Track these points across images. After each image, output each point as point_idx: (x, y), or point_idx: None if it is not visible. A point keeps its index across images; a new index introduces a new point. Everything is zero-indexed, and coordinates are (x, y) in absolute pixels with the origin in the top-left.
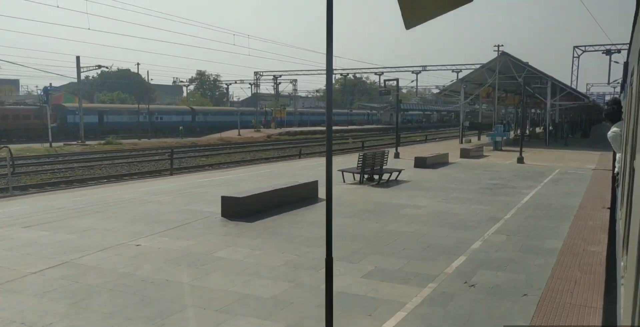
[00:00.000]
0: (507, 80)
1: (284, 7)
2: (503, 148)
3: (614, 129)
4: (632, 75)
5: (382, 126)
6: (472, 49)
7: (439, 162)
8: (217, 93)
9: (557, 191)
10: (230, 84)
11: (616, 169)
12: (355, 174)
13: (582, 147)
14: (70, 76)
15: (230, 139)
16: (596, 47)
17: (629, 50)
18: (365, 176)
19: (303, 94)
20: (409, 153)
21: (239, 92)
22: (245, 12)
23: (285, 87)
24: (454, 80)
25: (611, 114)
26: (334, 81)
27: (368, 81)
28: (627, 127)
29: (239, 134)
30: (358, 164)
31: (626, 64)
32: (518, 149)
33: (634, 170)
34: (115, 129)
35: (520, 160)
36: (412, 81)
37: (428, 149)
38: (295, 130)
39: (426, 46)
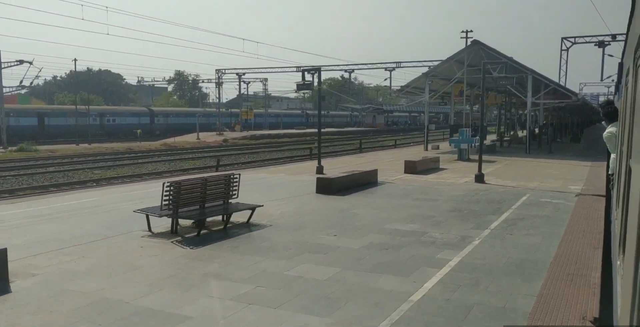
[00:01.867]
0: (480, 74)
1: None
2: (472, 157)
3: (609, 129)
4: (627, 76)
5: (363, 129)
6: (449, 43)
7: (360, 182)
8: (196, 93)
9: (505, 255)
10: (201, 81)
11: (610, 170)
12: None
13: (571, 155)
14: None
15: (177, 144)
16: (587, 39)
17: (623, 50)
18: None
19: (292, 95)
20: (345, 165)
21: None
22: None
23: (276, 87)
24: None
25: (609, 114)
26: (321, 80)
27: (356, 82)
28: (622, 127)
29: (198, 138)
30: (164, 200)
31: (621, 65)
32: (493, 158)
33: (630, 169)
34: (60, 132)
35: (479, 178)
36: (386, 79)
37: (373, 160)
38: (261, 134)
39: (400, 42)
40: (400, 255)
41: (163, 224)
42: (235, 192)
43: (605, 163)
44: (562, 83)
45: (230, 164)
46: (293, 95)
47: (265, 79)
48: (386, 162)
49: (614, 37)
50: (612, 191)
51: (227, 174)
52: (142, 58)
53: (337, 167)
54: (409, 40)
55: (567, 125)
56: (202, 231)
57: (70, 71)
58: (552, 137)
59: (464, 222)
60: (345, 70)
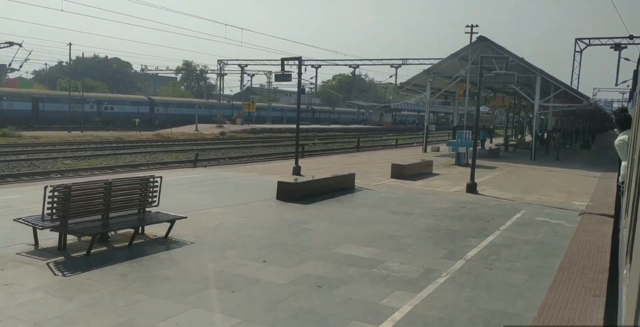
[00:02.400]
0: (485, 73)
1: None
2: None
3: (621, 136)
4: None
5: (369, 127)
6: (458, 41)
7: (334, 188)
8: (203, 84)
9: (473, 305)
10: (208, 72)
11: (621, 178)
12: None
13: (579, 164)
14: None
15: (172, 136)
16: (603, 41)
17: (639, 59)
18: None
19: (308, 89)
20: (331, 166)
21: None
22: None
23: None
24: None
25: (622, 121)
26: (331, 77)
27: (367, 79)
28: (635, 134)
29: (197, 130)
30: (47, 208)
31: (636, 72)
32: (495, 163)
33: None
34: (55, 118)
35: (471, 188)
36: (391, 76)
37: (364, 160)
38: (262, 128)
39: (407, 39)
40: (334, 298)
41: (55, 236)
42: (155, 198)
43: (616, 174)
44: (574, 86)
45: (215, 159)
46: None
47: (270, 72)
48: (377, 164)
49: (631, 37)
50: (622, 199)
51: (143, 176)
52: (152, 47)
53: (321, 167)
54: (417, 37)
55: (578, 131)
56: (100, 248)
57: (77, 57)
58: (560, 144)
59: (436, 247)
60: (350, 66)
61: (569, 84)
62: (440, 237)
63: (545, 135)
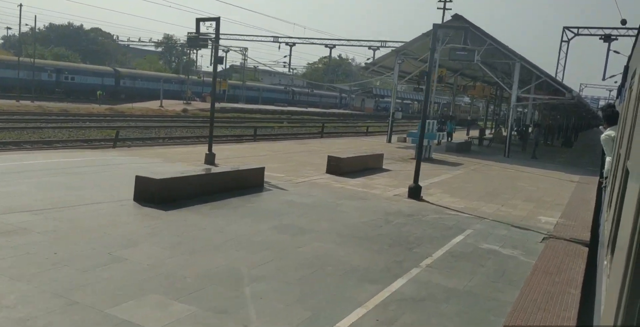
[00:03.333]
0: (461, 58)
1: None
2: (436, 156)
3: (607, 132)
4: (632, 78)
5: (349, 112)
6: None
7: (230, 186)
8: (185, 59)
9: None
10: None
11: (605, 172)
12: None
13: (557, 164)
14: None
15: (129, 111)
16: (592, 31)
17: (630, 54)
18: None
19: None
20: (270, 153)
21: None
22: None
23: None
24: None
25: (609, 117)
26: (317, 59)
27: (354, 63)
28: (622, 129)
29: (161, 106)
30: None
31: (626, 68)
32: (462, 159)
33: (627, 170)
34: (6, 86)
35: (414, 192)
36: (369, 59)
37: (314, 149)
38: (233, 107)
39: (385, 21)
40: None
41: None
42: None
43: (597, 179)
44: (559, 79)
45: (145, 139)
46: (286, 70)
47: (245, 49)
48: (324, 154)
49: (624, 22)
50: (604, 193)
51: None
52: (141, 20)
53: (253, 155)
54: (397, 20)
55: (561, 127)
56: None
57: (50, 24)
58: (538, 140)
59: (298, 304)
60: (326, 46)
61: (553, 76)
62: (317, 283)
63: (529, 129)
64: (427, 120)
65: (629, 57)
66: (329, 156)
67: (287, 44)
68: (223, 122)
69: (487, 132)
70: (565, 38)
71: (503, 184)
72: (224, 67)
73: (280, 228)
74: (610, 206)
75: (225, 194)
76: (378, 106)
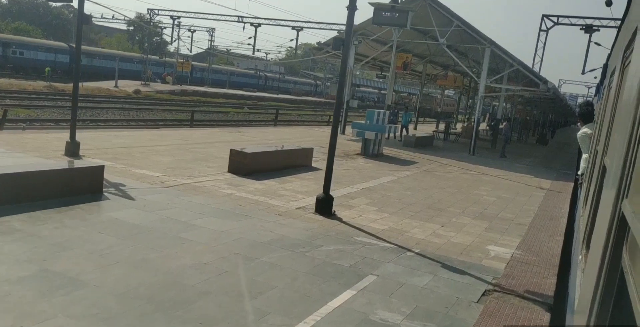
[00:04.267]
0: (427, 40)
1: None
2: (387, 152)
3: (584, 129)
4: (611, 76)
5: (322, 100)
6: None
7: (58, 190)
8: (157, 40)
9: None
10: (160, 28)
11: (581, 170)
12: None
13: (528, 165)
14: None
15: (69, 90)
16: (572, 20)
17: (610, 52)
18: None
19: (270, 57)
20: (180, 142)
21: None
22: None
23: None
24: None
25: (585, 115)
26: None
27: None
28: (600, 127)
29: (116, 86)
30: None
31: (605, 66)
32: (419, 156)
33: (604, 167)
34: None
35: (323, 206)
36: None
37: (241, 139)
38: (194, 90)
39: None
40: None
41: None
42: None
43: (572, 184)
44: (537, 71)
45: (64, 120)
46: (269, 56)
47: (213, 29)
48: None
49: (609, 3)
50: (580, 190)
51: None
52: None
53: (153, 145)
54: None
55: (537, 123)
56: None
57: None
58: (507, 137)
59: None
60: (293, 28)
61: (530, 68)
62: None
63: (500, 124)
64: (377, 111)
65: (609, 55)
66: (231, 151)
67: (252, 24)
68: (180, 105)
69: (460, 126)
70: (544, 27)
71: (456, 192)
72: (171, 44)
73: (38, 279)
74: (587, 201)
75: (33, 205)
76: (354, 95)
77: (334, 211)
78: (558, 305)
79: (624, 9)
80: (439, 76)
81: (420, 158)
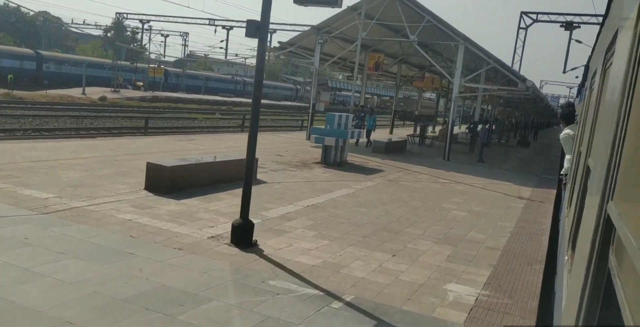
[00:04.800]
0: (398, 38)
1: None
2: (352, 160)
3: (566, 130)
4: (593, 78)
5: (303, 105)
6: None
7: None
8: (135, 46)
9: None
10: (135, 32)
11: (564, 170)
12: None
13: (507, 170)
14: None
15: (33, 98)
16: (552, 17)
17: (591, 54)
18: None
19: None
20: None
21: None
22: None
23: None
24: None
25: (566, 116)
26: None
27: None
28: (582, 128)
29: (84, 93)
30: None
31: (586, 68)
32: (388, 164)
33: (588, 167)
34: None
35: (240, 235)
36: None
37: (187, 148)
38: (166, 96)
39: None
40: None
41: None
42: None
43: (554, 191)
44: (517, 70)
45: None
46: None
47: (186, 34)
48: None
49: None
50: (564, 190)
51: None
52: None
53: (73, 158)
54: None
55: (519, 124)
56: None
57: None
58: (484, 141)
59: None
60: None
61: (507, 66)
62: None
63: (478, 127)
64: (338, 114)
65: (589, 58)
66: (148, 164)
67: (223, 27)
68: (136, 111)
69: (439, 129)
70: (523, 24)
71: (420, 207)
72: (141, 47)
73: None
74: (571, 202)
75: None
76: (335, 99)
77: (256, 241)
78: (545, 304)
79: (605, 8)
80: (415, 77)
81: (389, 165)
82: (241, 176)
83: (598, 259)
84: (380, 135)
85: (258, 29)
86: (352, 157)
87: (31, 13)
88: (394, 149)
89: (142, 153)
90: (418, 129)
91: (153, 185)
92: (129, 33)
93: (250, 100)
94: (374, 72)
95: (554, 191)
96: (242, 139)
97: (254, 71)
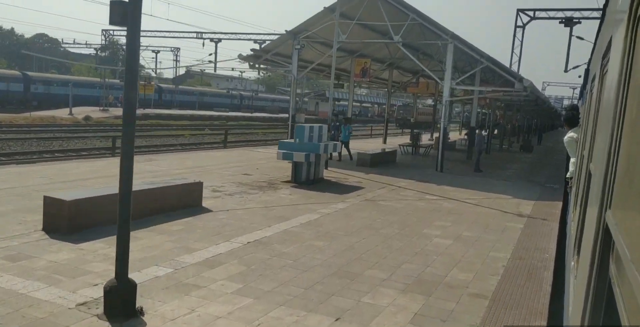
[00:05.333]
0: (383, 39)
1: None
2: (329, 176)
3: (570, 134)
4: (592, 81)
5: (305, 116)
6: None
7: None
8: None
9: None
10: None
11: (569, 173)
12: None
13: (506, 180)
14: None
15: (9, 120)
16: (550, 13)
17: (590, 58)
18: None
19: (248, 75)
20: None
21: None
22: None
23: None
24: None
25: (570, 119)
26: None
27: None
28: (584, 132)
29: (70, 113)
30: None
31: (587, 72)
32: (372, 179)
33: (590, 173)
34: None
35: (117, 301)
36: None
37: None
38: (158, 113)
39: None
40: None
41: None
42: None
43: (560, 204)
44: (516, 71)
45: None
46: (246, 75)
47: (177, 49)
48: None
49: None
50: (570, 193)
51: None
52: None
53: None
54: None
55: (521, 128)
56: None
57: None
58: (481, 149)
59: None
60: (255, 41)
61: (502, 65)
62: None
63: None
64: (309, 125)
65: (589, 61)
66: (45, 199)
67: (211, 40)
68: (118, 131)
69: (435, 136)
70: (520, 23)
71: (395, 235)
72: (176, 72)
73: None
74: (576, 206)
75: None
76: (335, 109)
77: (141, 308)
78: (555, 305)
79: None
80: (409, 83)
81: (372, 181)
82: (184, 204)
83: (599, 267)
84: (374, 145)
85: (125, 13)
86: (332, 173)
87: (26, 36)
88: (381, 161)
89: (77, 180)
90: (409, 137)
91: (51, 224)
92: (122, 52)
93: (246, 114)
94: (361, 78)
95: (559, 204)
96: (215, 156)
97: (251, 84)
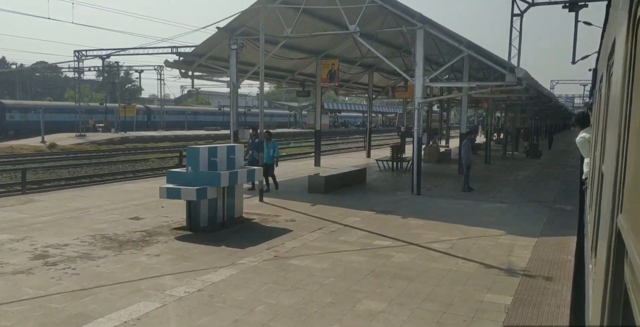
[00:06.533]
0: (336, 30)
1: None
2: (267, 211)
3: (582, 134)
4: (601, 81)
5: (299, 130)
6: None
7: None
8: (130, 86)
9: None
10: (132, 72)
11: (584, 174)
12: None
13: (504, 200)
14: None
15: None
16: None
17: (597, 58)
18: None
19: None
20: None
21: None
22: None
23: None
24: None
25: (581, 119)
26: None
27: None
28: (595, 132)
29: (43, 141)
30: None
31: (595, 71)
32: (323, 209)
33: (602, 174)
34: None
35: None
36: None
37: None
38: (139, 136)
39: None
40: None
41: None
42: None
43: (575, 238)
44: (516, 66)
45: None
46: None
47: (161, 67)
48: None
49: None
50: (586, 194)
51: None
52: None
53: None
54: None
55: (529, 130)
56: None
57: None
58: (469, 161)
59: None
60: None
61: (488, 52)
62: None
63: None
64: (208, 147)
65: (597, 59)
66: None
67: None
68: (80, 158)
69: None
70: (517, 10)
71: None
72: (161, 90)
73: None
74: (591, 207)
75: None
76: (336, 122)
77: None
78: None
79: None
80: (397, 88)
81: (312, 217)
82: None
83: (614, 273)
84: (351, 161)
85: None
86: (265, 207)
87: (25, 64)
88: (344, 184)
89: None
90: (390, 150)
91: None
92: (122, 74)
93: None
94: (328, 83)
95: (573, 242)
96: (130, 190)
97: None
